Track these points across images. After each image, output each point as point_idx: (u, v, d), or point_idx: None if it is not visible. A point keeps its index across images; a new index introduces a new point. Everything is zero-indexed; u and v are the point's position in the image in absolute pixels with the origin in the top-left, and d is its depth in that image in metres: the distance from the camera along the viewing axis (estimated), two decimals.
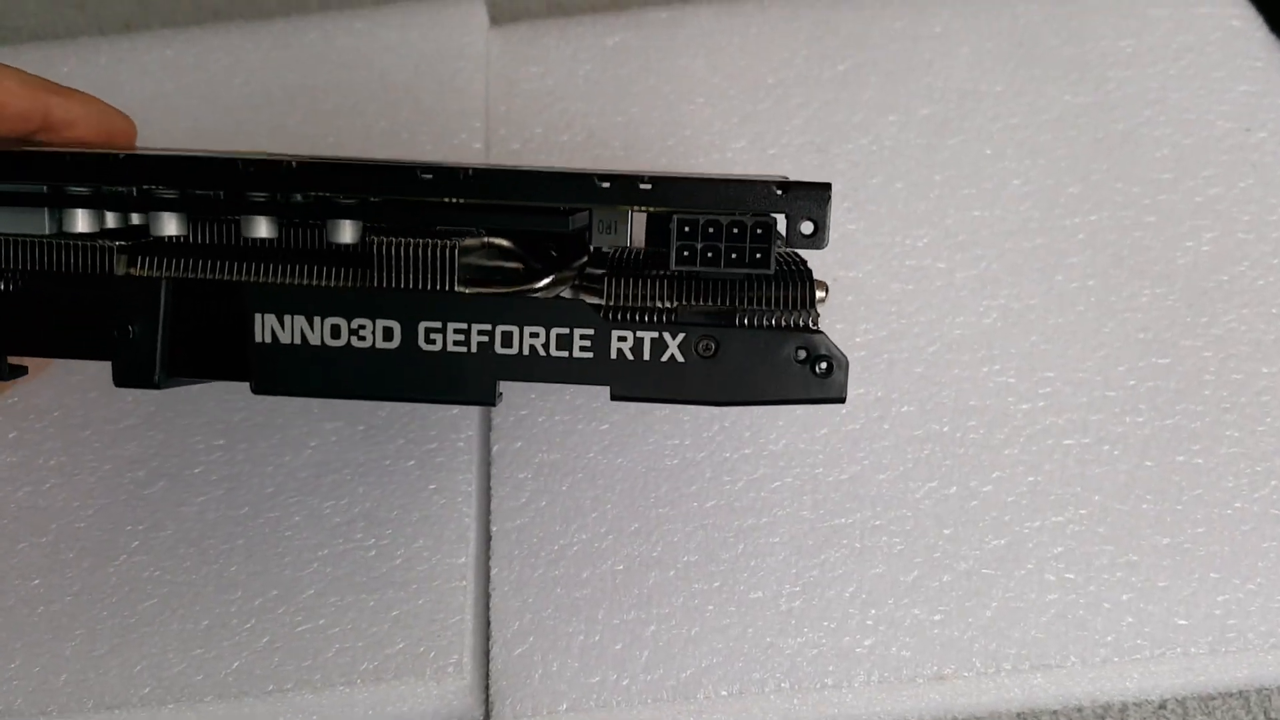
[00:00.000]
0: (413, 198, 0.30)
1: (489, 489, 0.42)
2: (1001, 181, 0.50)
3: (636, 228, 0.34)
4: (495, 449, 0.43)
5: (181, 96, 0.56)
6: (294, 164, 0.30)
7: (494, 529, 0.41)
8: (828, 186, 0.29)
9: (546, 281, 0.33)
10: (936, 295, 0.46)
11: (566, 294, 0.34)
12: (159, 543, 0.41)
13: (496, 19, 0.60)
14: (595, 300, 0.34)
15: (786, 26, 0.56)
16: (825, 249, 0.30)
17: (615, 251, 0.35)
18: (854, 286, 0.47)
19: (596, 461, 0.42)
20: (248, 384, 0.31)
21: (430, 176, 0.29)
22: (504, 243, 0.35)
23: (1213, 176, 0.50)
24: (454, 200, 0.30)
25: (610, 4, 0.64)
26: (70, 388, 0.46)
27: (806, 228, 0.29)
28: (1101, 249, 0.48)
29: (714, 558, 0.39)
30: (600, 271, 0.33)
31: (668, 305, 0.31)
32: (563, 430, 0.43)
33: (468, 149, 0.53)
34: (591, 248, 0.32)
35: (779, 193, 0.29)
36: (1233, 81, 0.53)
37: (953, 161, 0.50)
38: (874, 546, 0.39)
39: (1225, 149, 0.51)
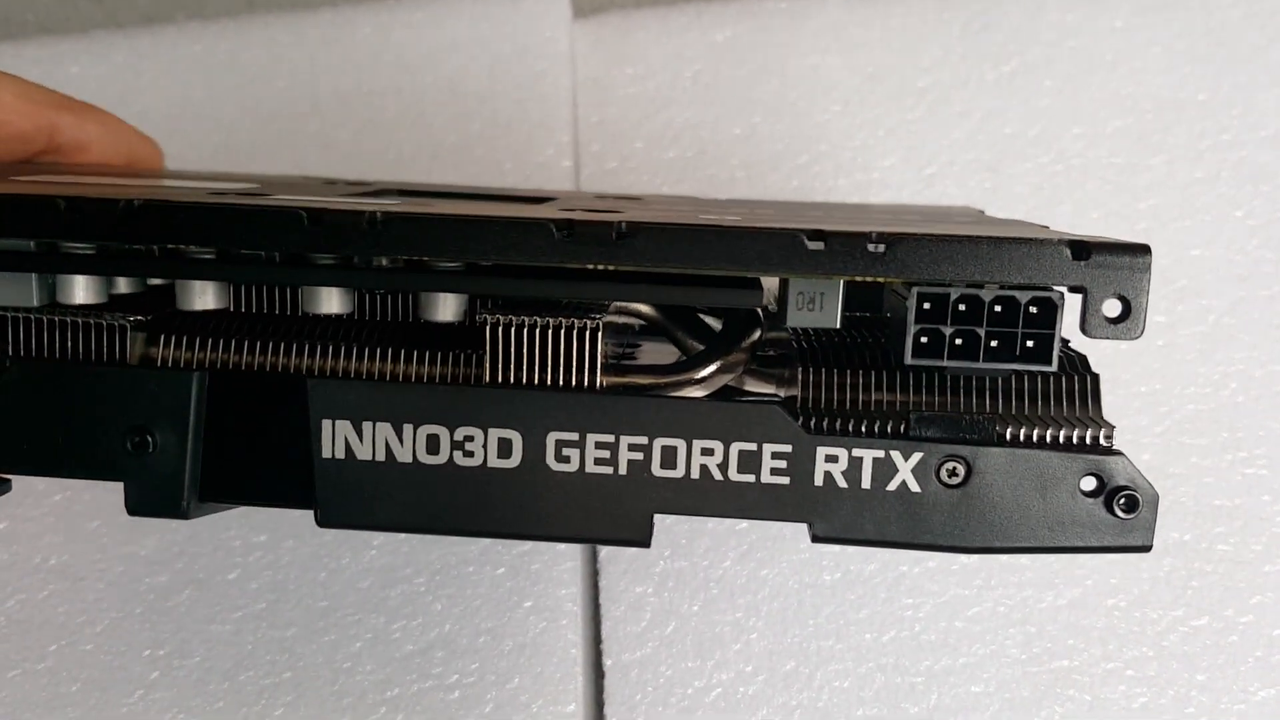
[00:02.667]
0: (543, 263, 0.22)
1: (598, 607, 0.34)
2: (1221, 213, 0.41)
3: None
4: (603, 554, 0.35)
5: (211, 103, 0.48)
6: (378, 216, 0.21)
7: (608, 663, 0.34)
8: (1146, 251, 0.21)
9: (712, 369, 0.24)
10: (1158, 358, 0.37)
11: (731, 383, 0.26)
12: (184, 674, 0.34)
13: (581, 9, 0.52)
14: (769, 390, 0.26)
15: (936, 18, 0.47)
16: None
17: (806, 331, 0.26)
18: None
19: (735, 573, 0.34)
20: (311, 513, 0.23)
21: (568, 234, 0.21)
22: (644, 309, 0.27)
23: None
24: (601, 267, 0.22)
25: None
26: None
27: (1112, 308, 0.21)
28: None
29: (898, 711, 0.31)
30: (780, 337, 0.25)
31: (895, 408, 0.22)
32: (689, 529, 0.35)
33: (555, 167, 0.45)
34: (787, 327, 0.23)
35: (1071, 257, 0.21)
36: None
37: (1158, 187, 0.42)
38: (1109, 699, 0.31)
39: None
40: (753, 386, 0.27)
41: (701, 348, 0.26)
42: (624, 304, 0.27)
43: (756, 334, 0.26)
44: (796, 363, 0.24)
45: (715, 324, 0.27)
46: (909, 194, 0.43)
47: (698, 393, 0.25)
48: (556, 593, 0.34)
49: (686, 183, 0.45)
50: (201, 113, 0.48)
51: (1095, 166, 0.43)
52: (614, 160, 0.45)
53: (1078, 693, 0.31)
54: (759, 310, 0.26)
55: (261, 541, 0.36)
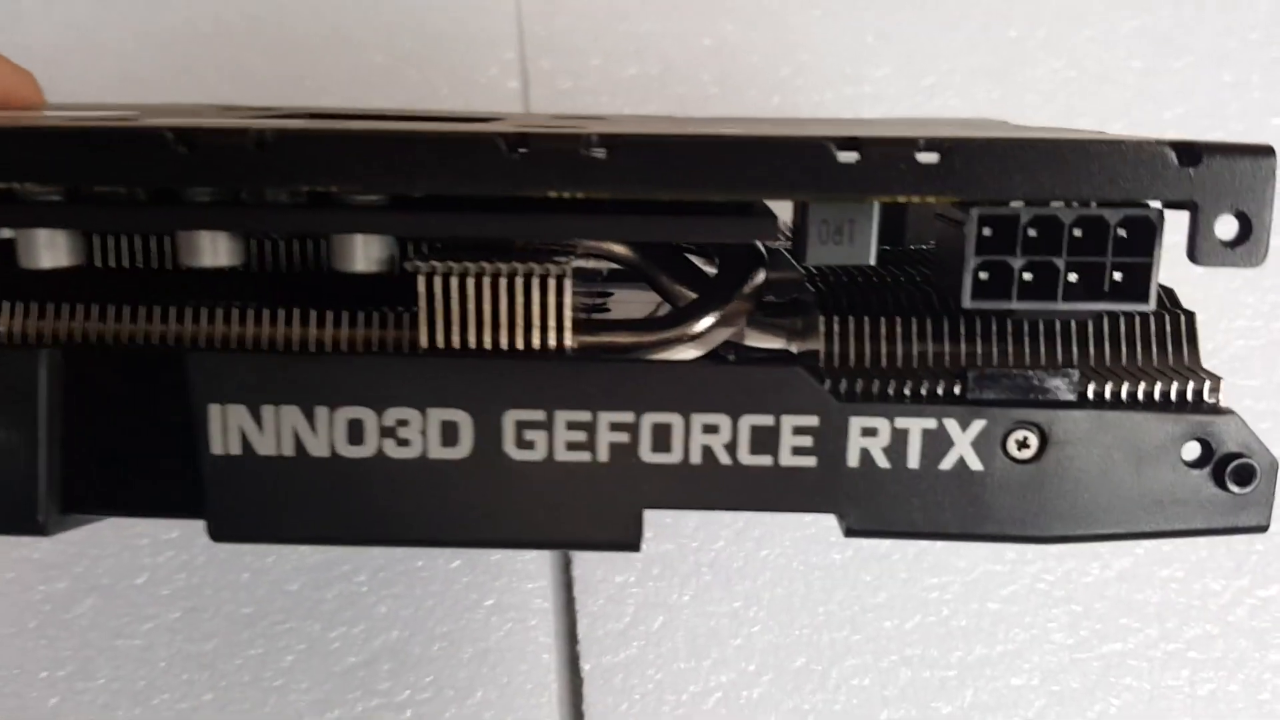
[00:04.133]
0: (491, 192, 0.17)
1: (572, 602, 0.31)
2: (1257, 120, 0.38)
3: None
4: None
5: (101, 29, 0.42)
6: (268, 135, 0.16)
7: (586, 667, 0.30)
8: (1270, 153, 0.17)
9: (709, 322, 0.20)
10: (1198, 288, 0.33)
11: (731, 339, 0.21)
12: (88, 698, 0.31)
13: None
14: (778, 344, 0.21)
15: None
16: None
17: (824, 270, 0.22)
18: None
19: (730, 555, 0.31)
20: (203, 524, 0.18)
21: (523, 152, 0.16)
22: (620, 249, 0.22)
23: None
24: (568, 195, 0.17)
25: None
26: None
27: (1226, 228, 0.17)
28: None
29: (929, 711, 0.28)
30: (785, 279, 0.21)
31: (947, 365, 0.18)
32: None
33: (499, 89, 0.40)
34: (806, 266, 0.19)
35: (1178, 163, 0.16)
36: None
37: (1184, 93, 0.39)
38: (1171, 688, 0.29)
39: None
40: (756, 341, 0.22)
41: (692, 295, 0.21)
42: (597, 244, 0.22)
43: (760, 276, 0.21)
44: (817, 311, 0.19)
45: (707, 268, 0.23)
46: (906, 108, 0.39)
47: (692, 352, 0.21)
48: (522, 587, 0.31)
49: (652, 103, 0.40)
50: (90, 43, 0.43)
51: (1113, 71, 0.39)
52: (567, 79, 0.40)
53: (1135, 681, 0.28)
54: (760, 247, 0.21)
55: (173, 539, 0.33)
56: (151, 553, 0.32)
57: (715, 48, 0.40)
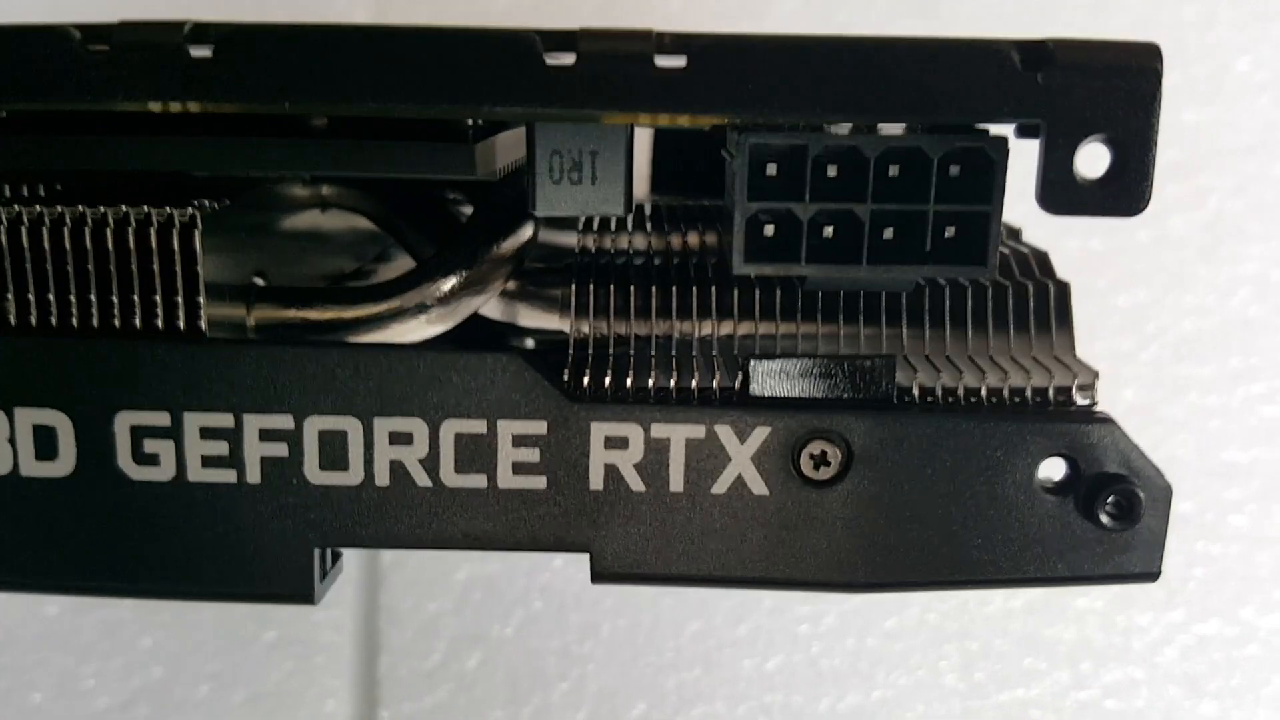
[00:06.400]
0: (72, 104, 0.13)
1: (375, 635, 0.27)
2: (1221, 63, 0.36)
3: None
4: (388, 557, 0.28)
5: None
6: None
7: (383, 717, 0.27)
8: (1154, 54, 0.13)
9: (446, 288, 0.16)
10: (1143, 256, 0.31)
11: (491, 316, 0.17)
12: None
13: None
14: (553, 324, 0.17)
15: None
16: None
17: (589, 227, 0.18)
18: None
19: (567, 578, 0.28)
20: None
21: (105, 50, 0.12)
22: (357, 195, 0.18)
23: None
24: (172, 107, 0.12)
25: None
26: None
27: (1093, 160, 0.13)
28: None
29: None
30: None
31: (725, 352, 0.15)
32: None
33: (348, 19, 0.36)
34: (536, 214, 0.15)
35: (1021, 66, 0.13)
36: None
37: (1137, 29, 0.34)
38: None
39: None
40: (532, 318, 0.18)
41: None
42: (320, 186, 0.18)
43: (527, 230, 0.17)
44: (572, 280, 0.15)
45: None
46: None
47: (430, 330, 0.16)
48: (312, 617, 0.27)
49: None
50: None
51: (1055, 7, 0.35)
52: (426, 11, 0.36)
53: None
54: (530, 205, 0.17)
55: None
56: None
57: None
